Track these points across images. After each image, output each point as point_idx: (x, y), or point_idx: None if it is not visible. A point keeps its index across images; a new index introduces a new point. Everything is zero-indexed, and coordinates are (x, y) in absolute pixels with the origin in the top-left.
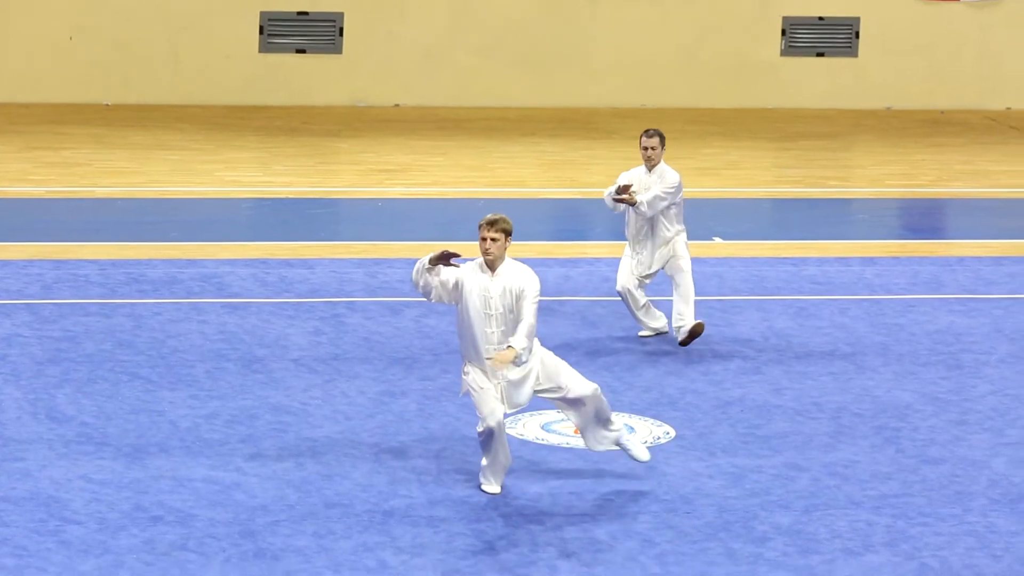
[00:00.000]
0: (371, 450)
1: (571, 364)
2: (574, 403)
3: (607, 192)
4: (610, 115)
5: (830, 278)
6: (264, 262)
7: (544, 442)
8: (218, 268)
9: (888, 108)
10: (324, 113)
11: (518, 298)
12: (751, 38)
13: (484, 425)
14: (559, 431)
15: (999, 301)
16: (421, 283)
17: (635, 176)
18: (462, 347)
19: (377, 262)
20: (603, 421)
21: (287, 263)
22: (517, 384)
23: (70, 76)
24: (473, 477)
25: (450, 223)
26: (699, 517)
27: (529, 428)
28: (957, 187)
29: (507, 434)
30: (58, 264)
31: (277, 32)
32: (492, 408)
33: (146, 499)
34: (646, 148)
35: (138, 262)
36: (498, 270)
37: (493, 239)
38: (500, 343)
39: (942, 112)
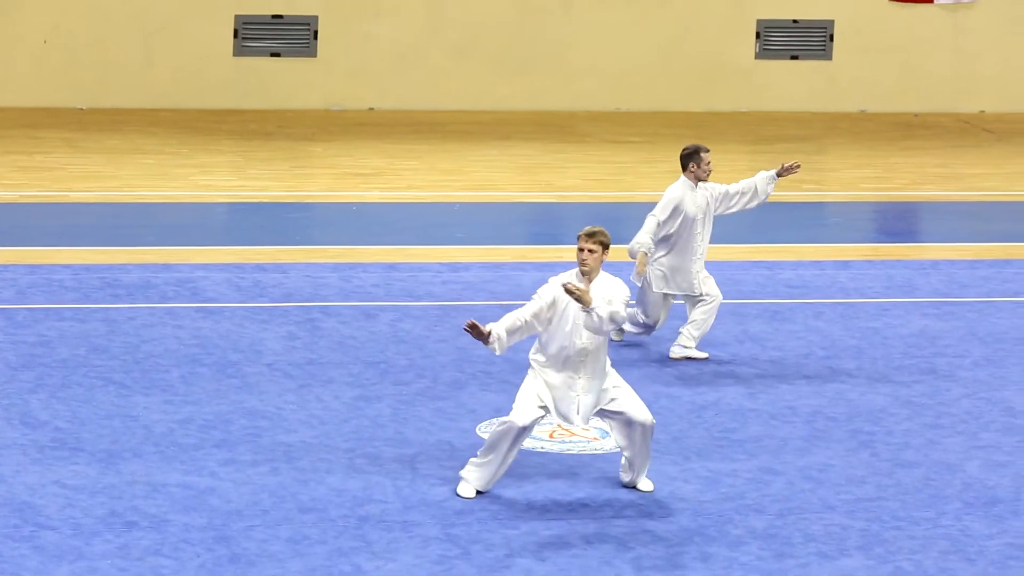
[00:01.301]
0: (345, 455)
1: None
2: (630, 426)
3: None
4: (586, 118)
5: (805, 282)
6: (239, 266)
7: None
8: (193, 273)
9: (862, 111)
10: (299, 117)
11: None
12: (725, 41)
13: (509, 422)
14: (534, 435)
15: (973, 304)
16: (512, 343)
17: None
18: (539, 356)
19: (352, 266)
20: (642, 455)
21: (261, 267)
22: (576, 401)
23: (44, 80)
24: (448, 482)
25: (425, 227)
26: (674, 521)
27: None
28: (931, 190)
29: (484, 438)
30: (32, 269)
31: (252, 35)
32: (526, 411)
33: (120, 504)
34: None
35: (112, 267)
36: (593, 282)
37: (591, 250)
38: (588, 354)
39: (916, 115)
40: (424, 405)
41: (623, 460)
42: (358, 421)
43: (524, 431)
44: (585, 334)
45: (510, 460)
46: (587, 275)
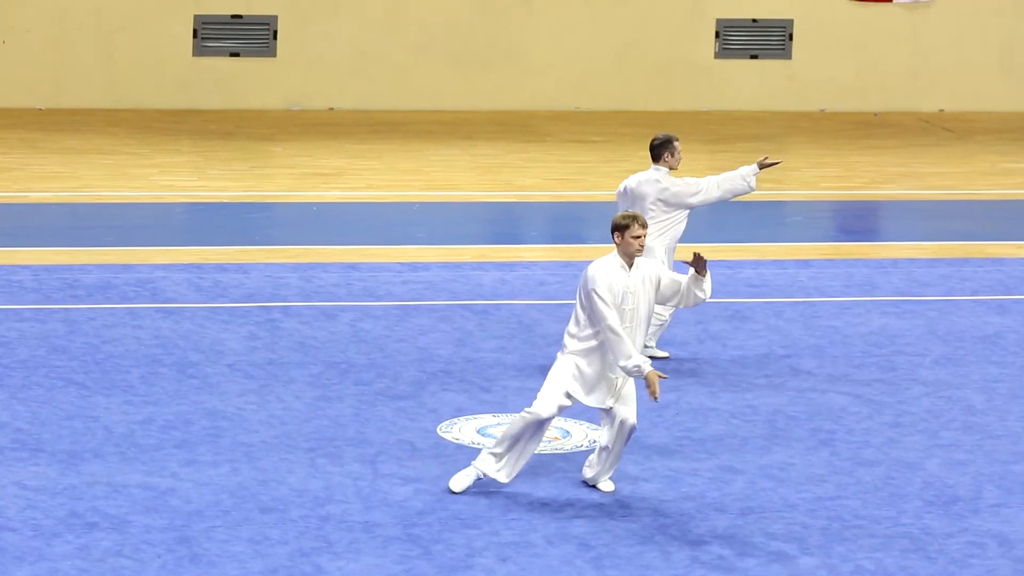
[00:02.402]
0: (307, 455)
1: (507, 368)
2: (619, 422)
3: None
4: (546, 118)
5: (765, 281)
6: (199, 267)
7: (480, 446)
8: (152, 273)
9: (822, 110)
10: (258, 116)
11: (656, 285)
12: (685, 40)
13: (534, 413)
14: (495, 435)
15: (933, 303)
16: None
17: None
18: (575, 341)
19: (312, 266)
20: (615, 453)
21: (222, 267)
22: (601, 387)
23: (2, 80)
24: (410, 481)
25: (385, 227)
26: (635, 520)
27: (465, 432)
28: (891, 189)
29: (445, 438)
30: None
31: (211, 35)
32: (553, 401)
33: (81, 505)
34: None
35: (72, 267)
36: (636, 263)
37: (646, 235)
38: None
39: (876, 114)
40: (385, 405)
41: (592, 455)
42: (319, 421)
43: (546, 422)
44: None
45: (530, 451)
46: (633, 261)
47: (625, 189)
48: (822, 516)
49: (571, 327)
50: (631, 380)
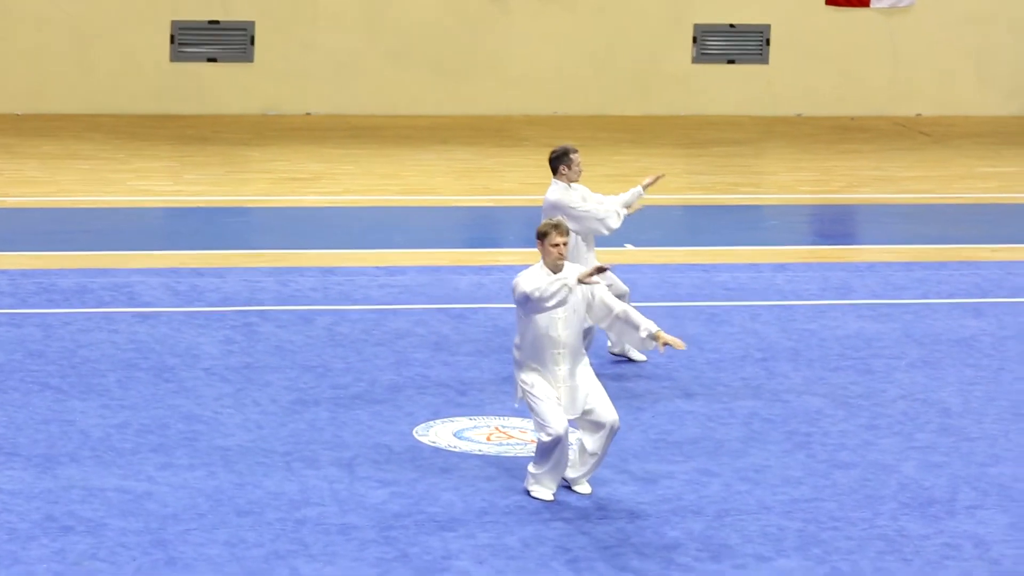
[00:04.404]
0: (283, 459)
1: (484, 372)
2: (599, 426)
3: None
4: (523, 122)
5: (741, 284)
6: (175, 271)
7: (456, 449)
8: (129, 277)
9: (799, 115)
10: (236, 122)
11: (590, 298)
12: (662, 45)
13: (552, 433)
14: (471, 438)
15: (909, 306)
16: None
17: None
18: (523, 356)
19: (288, 270)
20: (599, 455)
21: (198, 272)
22: (573, 392)
23: None
24: (386, 484)
25: (362, 231)
26: (611, 523)
27: (441, 435)
28: (868, 193)
29: (422, 441)
30: None
31: (188, 41)
32: (559, 417)
33: (57, 509)
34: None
35: (48, 272)
36: (565, 270)
37: (565, 243)
38: (566, 346)
39: (853, 118)
40: (362, 408)
41: (573, 455)
42: (295, 425)
43: (567, 434)
44: (560, 325)
45: (565, 461)
46: (559, 267)
47: (545, 203)
48: (798, 518)
49: (516, 339)
50: (588, 379)
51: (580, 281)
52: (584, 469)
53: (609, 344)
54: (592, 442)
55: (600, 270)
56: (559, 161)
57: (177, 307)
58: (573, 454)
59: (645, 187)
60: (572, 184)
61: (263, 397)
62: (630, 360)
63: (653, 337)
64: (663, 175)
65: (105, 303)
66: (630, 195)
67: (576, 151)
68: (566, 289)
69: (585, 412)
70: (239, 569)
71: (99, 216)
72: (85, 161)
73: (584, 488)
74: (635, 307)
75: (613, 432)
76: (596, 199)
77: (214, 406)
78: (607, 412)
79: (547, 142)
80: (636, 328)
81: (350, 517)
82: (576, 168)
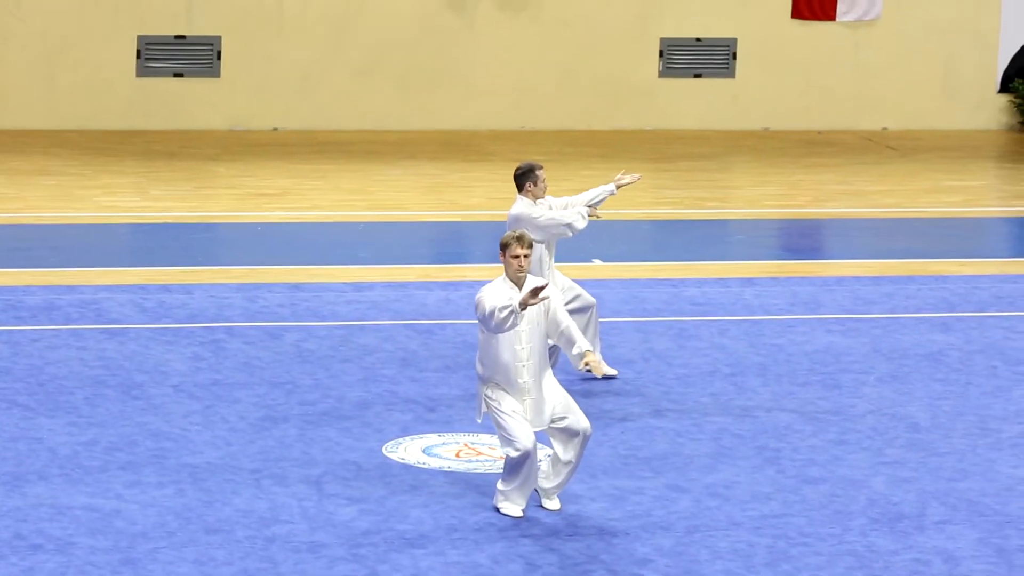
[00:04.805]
0: (252, 476)
1: (452, 387)
2: (572, 435)
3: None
4: (490, 137)
5: (709, 299)
6: (143, 287)
7: (425, 466)
8: (96, 294)
9: (766, 129)
10: (202, 137)
11: (547, 310)
12: (629, 59)
13: (520, 448)
14: (440, 455)
15: (877, 321)
16: (507, 327)
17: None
18: (486, 372)
19: (256, 286)
20: (574, 463)
21: (166, 288)
22: (539, 405)
23: None
24: (355, 501)
25: (330, 246)
26: (581, 539)
27: (410, 452)
28: (835, 207)
29: (391, 458)
30: None
31: (155, 56)
32: (527, 431)
33: (25, 527)
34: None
35: (15, 288)
36: (528, 283)
37: (526, 256)
38: (529, 359)
39: (819, 132)
40: (330, 425)
41: (545, 466)
42: (264, 442)
43: (535, 448)
44: (524, 338)
45: (534, 477)
46: (521, 281)
47: (509, 217)
48: (768, 534)
49: (479, 354)
50: (554, 390)
51: (522, 305)
52: (558, 480)
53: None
54: (566, 451)
55: (536, 291)
56: (525, 178)
57: (145, 323)
58: (547, 465)
59: (619, 186)
60: (537, 201)
61: (231, 414)
62: (605, 376)
63: (581, 356)
64: (640, 176)
65: (73, 320)
66: (599, 193)
67: (541, 168)
68: (514, 315)
69: (556, 420)
70: None
71: (66, 232)
72: (52, 177)
73: (554, 504)
74: (603, 322)
75: (586, 439)
76: (561, 203)
77: (182, 423)
78: (579, 420)
79: (514, 157)
80: (571, 345)
81: (319, 535)
82: (542, 185)
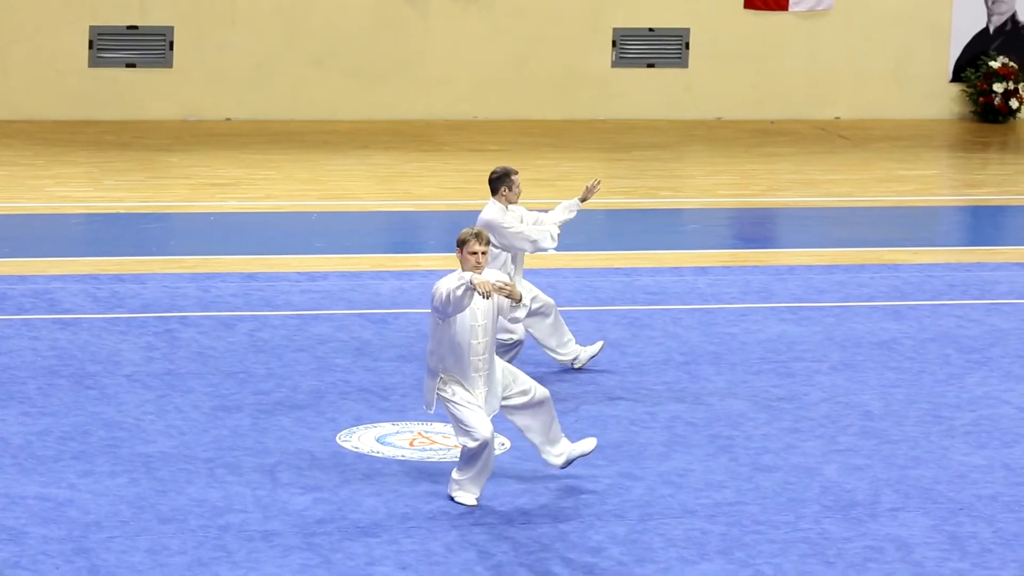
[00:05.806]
0: (205, 465)
1: (406, 376)
2: (537, 406)
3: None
4: (443, 127)
5: (663, 288)
6: (95, 277)
7: (379, 455)
8: (49, 284)
9: (718, 118)
10: (155, 127)
11: (500, 308)
12: (582, 49)
13: (478, 438)
14: (394, 443)
15: (830, 309)
16: (464, 304)
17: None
18: (436, 362)
19: (210, 276)
20: (555, 430)
21: (119, 278)
22: (493, 388)
23: None
24: (309, 490)
25: (283, 236)
26: (535, 527)
27: (364, 441)
28: (788, 196)
29: (344, 447)
30: None
31: (107, 46)
32: (483, 421)
33: None
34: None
35: None
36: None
37: (483, 252)
38: (485, 354)
39: (772, 122)
40: (284, 414)
41: (534, 437)
42: (217, 431)
43: (492, 438)
44: (480, 332)
45: (490, 466)
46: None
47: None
48: (721, 522)
49: (429, 346)
50: (502, 371)
51: (479, 291)
52: (550, 434)
53: (565, 358)
54: (534, 422)
55: (501, 288)
56: (500, 182)
57: (98, 313)
58: (540, 440)
59: (583, 200)
60: (510, 205)
61: (185, 404)
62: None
63: (471, 287)
64: (599, 182)
65: (25, 310)
66: (567, 210)
67: (517, 173)
68: (469, 292)
69: (509, 397)
70: None
71: (18, 223)
72: (3, 167)
73: (587, 444)
74: (559, 311)
75: (550, 401)
76: (532, 218)
77: (135, 413)
78: (534, 389)
79: (468, 147)
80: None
81: (273, 523)
82: (516, 190)
